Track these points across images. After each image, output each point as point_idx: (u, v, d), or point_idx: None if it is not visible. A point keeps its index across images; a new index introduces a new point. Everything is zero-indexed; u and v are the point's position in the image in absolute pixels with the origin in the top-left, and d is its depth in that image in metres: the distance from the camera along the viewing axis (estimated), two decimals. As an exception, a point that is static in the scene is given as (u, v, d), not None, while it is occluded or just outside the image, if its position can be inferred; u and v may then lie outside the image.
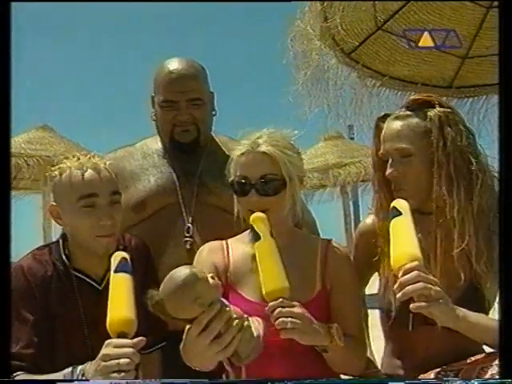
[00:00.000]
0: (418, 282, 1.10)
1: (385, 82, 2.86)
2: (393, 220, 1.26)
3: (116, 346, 1.15)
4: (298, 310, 1.22)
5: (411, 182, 1.39)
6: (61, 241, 1.48)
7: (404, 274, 1.12)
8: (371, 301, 1.52)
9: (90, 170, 1.41)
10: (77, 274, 1.44)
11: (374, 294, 1.50)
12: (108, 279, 1.40)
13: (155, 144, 1.83)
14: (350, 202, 8.03)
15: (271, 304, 1.20)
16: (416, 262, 1.13)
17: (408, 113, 1.42)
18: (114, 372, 1.13)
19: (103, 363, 1.14)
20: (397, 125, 1.41)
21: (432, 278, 1.14)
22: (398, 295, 1.11)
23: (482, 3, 2.57)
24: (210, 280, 1.21)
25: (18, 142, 6.46)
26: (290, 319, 1.19)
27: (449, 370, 1.26)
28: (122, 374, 1.12)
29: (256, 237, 1.31)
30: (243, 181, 1.37)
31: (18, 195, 7.72)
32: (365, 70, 2.81)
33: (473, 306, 1.24)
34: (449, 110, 1.41)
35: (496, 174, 1.38)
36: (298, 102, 2.39)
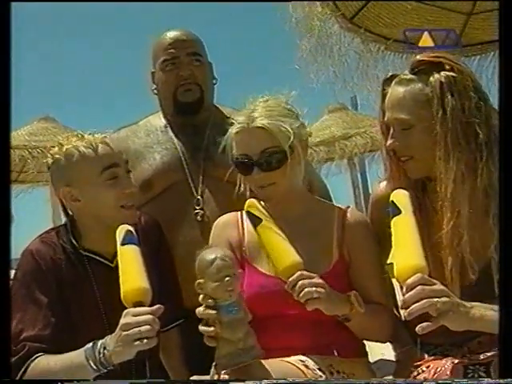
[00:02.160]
0: (422, 299, 1.03)
1: (389, 45, 2.81)
2: (393, 220, 1.19)
3: (135, 315, 1.14)
4: (318, 280, 1.20)
5: (414, 152, 1.30)
6: (68, 223, 1.47)
7: (407, 290, 1.05)
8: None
9: (100, 145, 1.40)
10: (87, 254, 1.43)
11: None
12: None
13: (158, 120, 1.81)
14: (358, 174, 7.97)
15: (291, 279, 1.18)
16: (418, 275, 1.05)
17: (412, 77, 1.30)
18: (136, 340, 1.12)
19: (124, 333, 1.13)
20: (399, 91, 1.29)
21: (438, 288, 1.06)
22: (404, 314, 1.05)
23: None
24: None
25: (22, 134, 6.45)
26: (314, 289, 1.17)
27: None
28: (145, 341, 1.11)
29: (256, 221, 1.30)
30: (245, 159, 1.35)
31: (25, 189, 7.74)
32: (368, 35, 2.76)
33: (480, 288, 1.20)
34: (456, 74, 1.27)
35: None
36: (304, 70, 2.34)
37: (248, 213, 1.34)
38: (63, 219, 1.51)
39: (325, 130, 7.03)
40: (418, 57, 1.34)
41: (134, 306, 1.15)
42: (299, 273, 1.19)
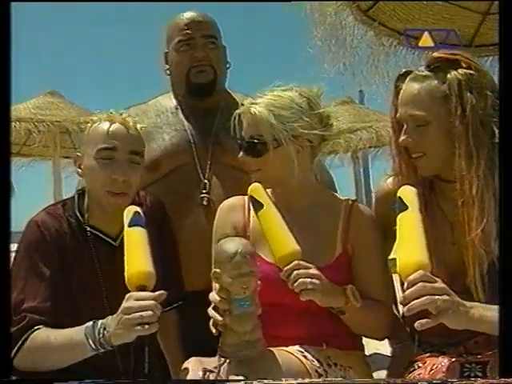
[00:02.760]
0: (423, 295, 1.03)
1: (402, 40, 2.78)
2: (399, 215, 1.19)
3: (138, 299, 1.14)
4: (314, 271, 1.20)
5: (427, 149, 1.29)
6: (76, 197, 1.47)
7: (409, 286, 1.05)
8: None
9: (116, 124, 1.40)
10: (92, 230, 1.43)
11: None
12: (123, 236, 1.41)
13: (169, 101, 1.81)
14: (361, 169, 7.96)
15: (287, 268, 1.18)
16: (421, 272, 1.05)
17: (427, 73, 1.28)
18: (137, 325, 1.12)
19: (126, 316, 1.13)
20: (414, 88, 1.27)
21: (439, 285, 1.06)
22: (403, 309, 1.05)
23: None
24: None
25: (28, 107, 6.45)
26: (309, 280, 1.17)
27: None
28: (146, 326, 1.12)
29: (258, 205, 1.30)
30: (239, 140, 1.39)
31: (28, 162, 7.74)
32: (381, 29, 2.74)
33: (489, 290, 1.19)
34: (473, 72, 1.25)
35: None
36: (316, 60, 2.33)
37: (251, 197, 1.34)
38: (64, 196, 1.52)
39: (330, 122, 6.99)
40: (434, 54, 1.32)
41: (138, 290, 1.16)
42: (295, 262, 1.19)
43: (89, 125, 1.44)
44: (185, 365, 1.22)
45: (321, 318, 1.30)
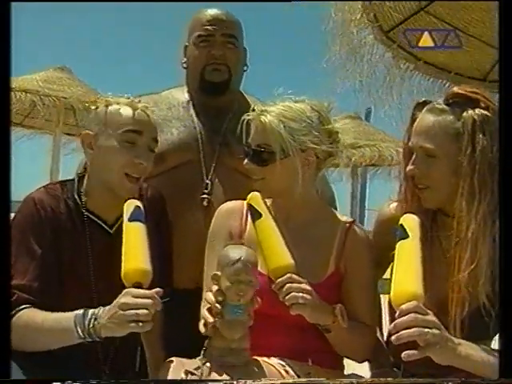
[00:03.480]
0: (414, 326, 1.03)
1: (418, 65, 2.78)
2: (399, 242, 1.19)
3: (135, 296, 1.14)
4: (306, 286, 1.20)
5: (433, 182, 1.29)
6: (76, 179, 1.46)
7: (400, 315, 1.05)
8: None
9: (139, 111, 1.40)
10: (89, 214, 1.42)
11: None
12: (120, 224, 1.39)
13: (181, 95, 1.80)
14: (359, 185, 7.97)
15: (280, 280, 1.19)
16: (414, 303, 1.05)
17: (444, 107, 1.28)
18: (131, 322, 1.12)
19: (121, 312, 1.13)
20: (429, 120, 1.28)
21: (430, 317, 1.06)
22: (392, 338, 1.05)
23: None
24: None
25: (36, 79, 6.42)
26: (301, 294, 1.17)
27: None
28: (140, 324, 1.12)
29: (256, 215, 1.30)
30: (246, 147, 1.38)
31: (29, 134, 7.70)
32: (400, 51, 2.73)
33: (477, 329, 1.20)
34: (488, 113, 1.24)
35: None
36: (331, 73, 2.34)
37: (249, 205, 1.35)
38: (61, 173, 1.51)
39: (334, 135, 7.00)
40: (455, 88, 1.33)
41: (133, 286, 1.16)
42: (289, 275, 1.19)
43: (103, 106, 1.42)
44: (166, 364, 1.21)
45: (306, 333, 1.30)
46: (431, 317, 1.07)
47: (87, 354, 1.34)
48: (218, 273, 1.20)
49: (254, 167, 1.36)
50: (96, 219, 1.43)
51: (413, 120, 1.34)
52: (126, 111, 1.39)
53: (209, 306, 1.19)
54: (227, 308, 1.17)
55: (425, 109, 1.32)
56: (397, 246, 1.19)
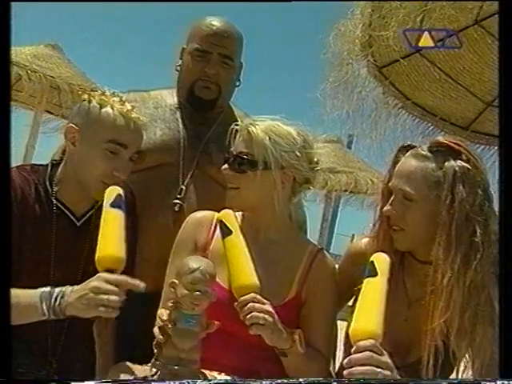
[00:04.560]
0: (368, 364, 1.05)
1: (406, 105, 2.83)
2: (367, 279, 1.21)
3: (107, 281, 1.14)
4: (269, 307, 1.21)
5: (407, 225, 1.31)
6: (49, 166, 1.44)
7: (356, 352, 1.07)
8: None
9: (132, 122, 1.39)
10: (58, 203, 1.41)
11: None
12: (88, 218, 1.42)
13: (170, 98, 1.79)
14: (331, 209, 8.05)
15: (243, 298, 1.20)
16: (371, 341, 1.07)
17: (428, 154, 1.31)
18: (100, 306, 1.12)
19: (92, 294, 1.13)
20: (411, 164, 1.31)
21: (385, 359, 1.07)
22: (344, 372, 1.07)
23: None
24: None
25: (25, 53, 6.30)
26: (262, 315, 1.18)
27: None
28: (109, 310, 1.12)
29: (226, 231, 1.31)
30: (227, 154, 1.39)
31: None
32: (391, 88, 2.78)
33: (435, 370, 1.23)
34: (471, 167, 1.27)
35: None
36: (322, 101, 2.37)
37: (220, 222, 1.35)
38: (36, 150, 1.49)
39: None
40: (439, 138, 1.36)
41: (106, 271, 1.16)
42: (253, 295, 1.20)
43: (96, 102, 1.40)
44: (115, 368, 1.21)
45: (260, 354, 1.30)
46: (386, 358, 1.08)
47: (35, 344, 1.32)
48: (176, 281, 1.20)
49: (231, 174, 1.37)
50: (64, 209, 1.42)
51: (395, 162, 1.37)
52: (113, 118, 1.38)
53: (160, 324, 1.19)
54: (181, 317, 1.18)
55: (409, 153, 1.34)
56: (364, 281, 1.20)
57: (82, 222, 1.43)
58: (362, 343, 1.07)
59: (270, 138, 1.34)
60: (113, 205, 1.29)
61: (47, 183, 1.42)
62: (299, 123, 1.41)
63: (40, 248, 1.38)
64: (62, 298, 1.17)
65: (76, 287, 1.17)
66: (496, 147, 3.01)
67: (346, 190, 7.17)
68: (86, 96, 1.42)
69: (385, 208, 1.33)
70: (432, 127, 2.88)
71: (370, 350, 1.06)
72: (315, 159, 1.41)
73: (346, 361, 1.08)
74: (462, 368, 1.30)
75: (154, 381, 1.16)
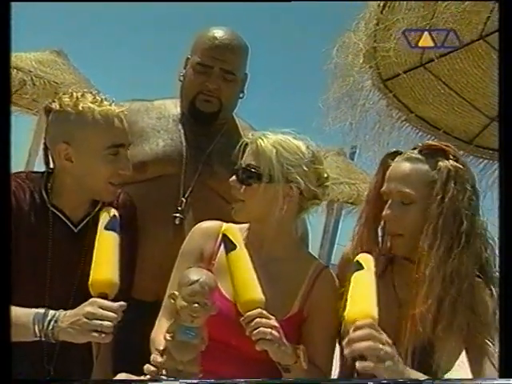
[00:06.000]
0: (368, 340, 1.06)
1: (410, 118, 2.83)
2: (354, 273, 1.23)
3: (101, 307, 1.14)
4: (275, 323, 1.20)
5: (407, 229, 1.33)
6: (45, 174, 1.44)
7: (355, 331, 1.08)
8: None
9: (116, 120, 1.38)
10: (54, 210, 1.41)
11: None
12: (86, 224, 1.41)
13: (173, 108, 1.78)
14: (333, 220, 8.02)
15: (249, 313, 1.19)
16: (369, 320, 1.09)
17: (420, 157, 1.35)
18: (94, 331, 1.12)
19: (85, 319, 1.12)
20: (405, 167, 1.34)
21: (384, 337, 1.09)
22: (345, 351, 1.07)
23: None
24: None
25: (30, 58, 6.32)
26: (269, 330, 1.17)
27: None
28: (103, 335, 1.12)
29: (230, 246, 1.31)
30: (236, 166, 1.40)
31: (13, 111, 7.58)
32: (394, 101, 2.78)
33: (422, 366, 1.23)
34: (461, 166, 1.34)
35: (491, 242, 1.34)
36: (324, 112, 2.36)
37: (224, 236, 1.35)
38: (40, 154, 1.49)
39: (317, 167, 7.06)
40: (428, 142, 1.43)
41: (99, 296, 1.16)
42: (259, 310, 1.20)
43: (71, 110, 1.36)
44: (114, 378, 1.20)
45: (260, 368, 1.28)
46: (386, 337, 1.09)
47: (31, 352, 1.31)
48: (176, 292, 1.20)
49: (238, 186, 1.37)
50: (61, 216, 1.42)
51: (385, 167, 1.39)
52: (107, 124, 1.36)
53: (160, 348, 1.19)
54: (180, 329, 1.17)
55: (400, 157, 1.38)
56: (352, 277, 1.22)
57: (79, 228, 1.42)
58: (360, 322, 1.08)
59: (277, 151, 1.34)
60: (107, 227, 1.29)
61: (43, 191, 1.42)
62: (308, 139, 1.41)
63: (38, 255, 1.38)
64: (55, 322, 1.17)
65: (69, 312, 1.17)
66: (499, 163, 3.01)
67: (348, 202, 7.16)
68: (57, 105, 1.38)
69: (384, 213, 1.35)
70: (435, 140, 2.87)
71: (370, 328, 1.07)
72: (324, 175, 1.40)
73: (345, 341, 1.08)
74: (443, 358, 1.31)
75: (154, 381, 1.16)
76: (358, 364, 1.05)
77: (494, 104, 2.81)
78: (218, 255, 1.39)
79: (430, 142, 1.42)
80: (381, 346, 1.06)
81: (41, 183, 1.42)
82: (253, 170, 1.35)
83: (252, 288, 1.23)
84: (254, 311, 1.19)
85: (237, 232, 1.35)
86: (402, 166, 1.35)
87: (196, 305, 1.16)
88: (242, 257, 1.28)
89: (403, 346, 1.26)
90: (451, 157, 1.34)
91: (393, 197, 1.34)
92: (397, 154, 1.40)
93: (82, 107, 1.36)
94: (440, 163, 1.33)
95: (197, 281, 1.18)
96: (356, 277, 1.22)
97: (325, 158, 1.46)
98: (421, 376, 1.16)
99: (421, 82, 2.72)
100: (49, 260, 1.39)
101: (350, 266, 1.31)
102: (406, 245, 1.34)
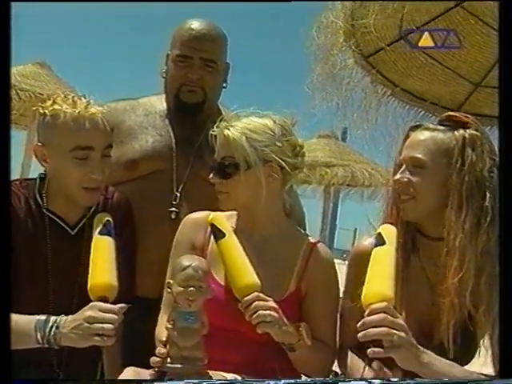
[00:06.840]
0: (382, 325, 1.06)
1: (395, 92, 2.85)
2: (375, 249, 1.22)
3: (102, 310, 1.14)
4: (273, 304, 1.21)
5: (417, 192, 1.31)
6: (38, 179, 1.45)
7: (370, 314, 1.08)
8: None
9: (87, 122, 1.35)
10: (50, 215, 1.42)
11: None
12: (83, 226, 1.42)
13: (159, 104, 1.78)
14: (331, 204, 8.04)
15: (246, 298, 1.20)
16: (384, 304, 1.09)
17: (438, 127, 1.36)
18: (96, 335, 1.12)
19: (86, 324, 1.13)
20: (422, 135, 1.35)
21: (399, 321, 1.09)
22: (359, 335, 1.07)
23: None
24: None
25: (13, 73, 6.29)
26: (268, 312, 1.18)
27: None
28: (105, 338, 1.12)
29: (219, 234, 1.31)
30: (211, 162, 1.39)
31: (2, 127, 7.54)
32: (378, 77, 2.79)
33: (459, 346, 1.23)
34: (479, 134, 1.32)
35: None
36: (311, 95, 2.37)
37: (212, 225, 1.35)
38: (32, 168, 1.50)
39: (310, 152, 7.02)
40: (449, 112, 1.41)
41: (98, 300, 1.16)
42: (256, 294, 1.20)
43: (47, 113, 1.36)
44: (122, 375, 1.21)
45: (263, 349, 1.29)
46: (400, 320, 1.09)
47: (40, 355, 1.32)
48: (171, 280, 1.22)
49: (219, 181, 1.37)
50: (57, 220, 1.43)
51: (405, 138, 1.39)
52: (73, 125, 1.34)
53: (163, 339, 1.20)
54: (179, 315, 1.19)
55: (420, 128, 1.38)
56: (373, 253, 1.22)
57: (76, 231, 1.43)
58: (375, 306, 1.08)
59: (246, 137, 1.33)
60: (101, 232, 1.30)
61: (37, 196, 1.42)
62: (273, 112, 1.40)
63: (38, 260, 1.39)
64: (56, 328, 1.17)
65: (70, 317, 1.17)
66: (488, 127, 3.02)
67: (343, 184, 7.17)
68: (40, 110, 1.39)
69: (395, 177, 1.34)
70: (423, 112, 2.89)
71: (384, 312, 1.07)
72: (298, 144, 1.39)
73: (359, 324, 1.08)
74: (483, 340, 1.30)
75: (153, 381, 1.17)
76: (369, 351, 1.06)
77: (477, 70, 2.82)
78: (210, 245, 1.39)
79: (451, 113, 1.41)
80: (394, 331, 1.07)
81: (35, 189, 1.43)
82: (227, 162, 1.34)
83: (246, 273, 1.24)
84: (251, 295, 1.20)
85: (223, 220, 1.35)
86: (418, 134, 1.36)
87: (191, 288, 1.18)
88: (231, 243, 1.29)
89: (443, 325, 1.25)
90: (471, 126, 1.33)
91: (406, 162, 1.34)
92: (419, 126, 1.40)
93: (55, 109, 1.36)
94: (456, 132, 1.32)
95: (189, 265, 1.20)
96: (376, 253, 1.21)
97: (293, 125, 1.41)
98: (439, 359, 1.15)
99: (403, 55, 2.73)
100: (49, 264, 1.39)
101: (366, 257, 1.27)
102: (416, 208, 1.32)
